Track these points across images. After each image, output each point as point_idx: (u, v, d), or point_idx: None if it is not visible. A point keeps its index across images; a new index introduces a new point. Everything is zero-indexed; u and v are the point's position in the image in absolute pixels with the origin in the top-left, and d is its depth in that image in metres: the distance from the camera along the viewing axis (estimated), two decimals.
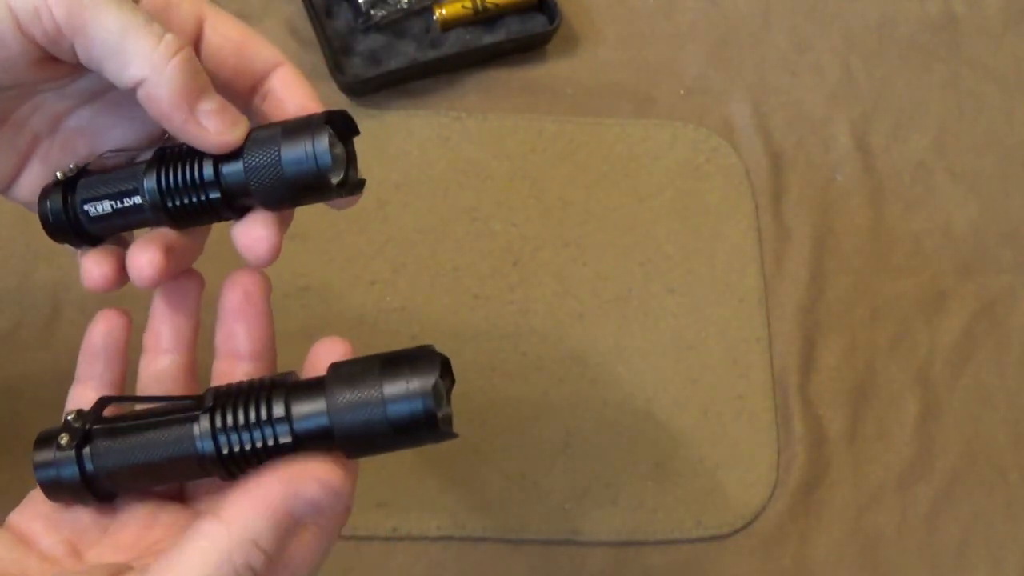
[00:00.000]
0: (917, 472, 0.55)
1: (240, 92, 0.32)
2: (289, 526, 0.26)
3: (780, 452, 0.55)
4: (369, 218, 0.58)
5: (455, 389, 0.30)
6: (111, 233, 0.32)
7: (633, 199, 0.60)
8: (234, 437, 0.27)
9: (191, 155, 0.30)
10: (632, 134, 0.62)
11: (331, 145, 0.29)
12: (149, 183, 0.29)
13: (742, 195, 0.61)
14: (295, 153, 0.28)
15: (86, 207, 0.31)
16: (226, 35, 0.31)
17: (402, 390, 0.27)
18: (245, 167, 0.29)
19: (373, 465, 0.51)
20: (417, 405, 0.27)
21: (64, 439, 0.28)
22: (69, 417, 0.28)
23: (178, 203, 0.30)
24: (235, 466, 0.28)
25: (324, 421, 0.27)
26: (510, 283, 0.57)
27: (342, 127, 0.30)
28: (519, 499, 0.52)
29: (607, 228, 0.59)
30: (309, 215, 0.57)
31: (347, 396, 0.27)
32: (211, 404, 0.28)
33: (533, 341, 0.56)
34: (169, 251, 0.30)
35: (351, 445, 0.28)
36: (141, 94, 0.28)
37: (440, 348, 0.30)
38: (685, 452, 0.54)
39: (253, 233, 0.30)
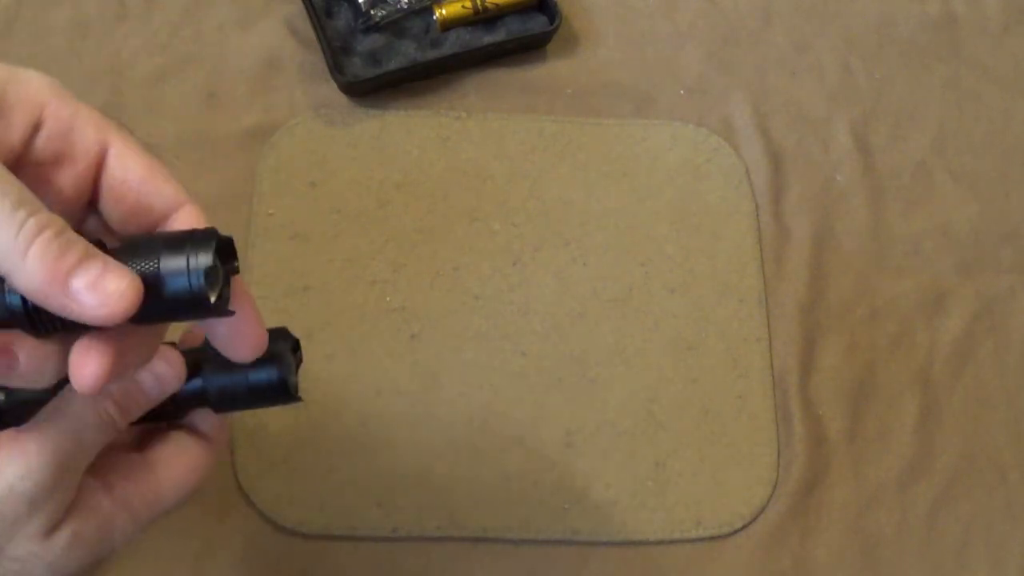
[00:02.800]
0: (917, 472, 0.55)
1: (141, 229, 0.30)
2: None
3: (780, 452, 0.55)
4: (369, 218, 0.58)
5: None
6: None
7: (633, 199, 0.60)
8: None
9: None
10: (632, 134, 0.62)
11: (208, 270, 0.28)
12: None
13: (742, 195, 0.61)
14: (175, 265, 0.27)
15: None
16: (129, 168, 0.30)
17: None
18: None
19: (373, 465, 0.51)
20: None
21: None
22: None
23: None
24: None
25: None
26: (510, 283, 0.57)
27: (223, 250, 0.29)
28: (519, 499, 0.52)
29: (607, 228, 0.59)
30: (309, 216, 0.57)
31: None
32: None
33: (533, 341, 0.56)
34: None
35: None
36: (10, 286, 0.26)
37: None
38: (685, 452, 0.54)
39: (82, 347, 0.27)
